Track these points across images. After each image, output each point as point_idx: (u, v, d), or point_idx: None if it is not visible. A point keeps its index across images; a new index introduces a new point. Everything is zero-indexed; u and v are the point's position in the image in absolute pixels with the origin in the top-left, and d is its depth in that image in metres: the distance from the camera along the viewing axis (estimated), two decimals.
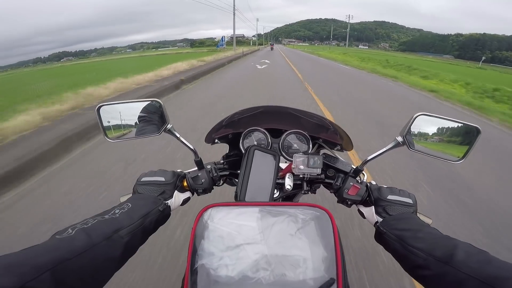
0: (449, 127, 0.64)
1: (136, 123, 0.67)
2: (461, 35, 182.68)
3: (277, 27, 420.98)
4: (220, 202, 0.52)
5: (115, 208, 0.49)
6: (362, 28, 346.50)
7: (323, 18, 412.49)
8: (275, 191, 0.73)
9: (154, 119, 0.68)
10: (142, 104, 0.67)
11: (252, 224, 0.48)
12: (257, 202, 0.52)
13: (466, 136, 0.63)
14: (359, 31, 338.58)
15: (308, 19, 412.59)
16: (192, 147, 0.71)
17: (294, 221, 0.48)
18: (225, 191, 0.88)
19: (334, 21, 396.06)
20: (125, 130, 0.68)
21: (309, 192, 0.80)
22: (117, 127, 0.67)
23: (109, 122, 0.66)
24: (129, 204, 0.51)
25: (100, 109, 0.65)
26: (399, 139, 0.64)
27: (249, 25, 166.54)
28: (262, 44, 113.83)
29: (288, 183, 0.70)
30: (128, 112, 0.67)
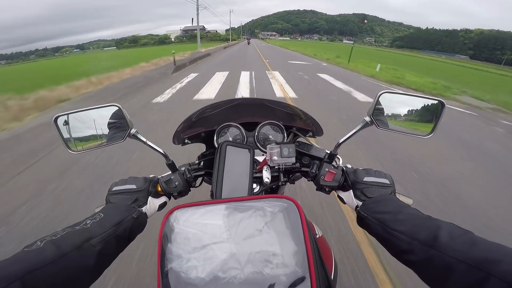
0: (414, 103, 0.65)
1: (99, 130, 0.64)
2: (470, 31, 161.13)
3: (252, 20, 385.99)
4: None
5: (87, 219, 0.48)
6: (345, 20, 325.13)
7: (301, 9, 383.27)
8: (255, 185, 0.72)
9: (117, 125, 0.65)
10: (101, 111, 0.64)
11: (218, 222, 0.47)
12: (223, 199, 0.50)
13: (432, 110, 0.64)
14: (341, 23, 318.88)
15: (285, 10, 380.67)
16: (161, 151, 0.69)
17: (261, 215, 0.47)
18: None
19: (313, 12, 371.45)
20: (88, 139, 0.65)
21: (287, 183, 0.79)
22: (79, 137, 0.64)
23: (69, 132, 0.63)
24: (101, 214, 0.50)
25: (57, 120, 0.62)
26: (367, 119, 0.65)
27: (222, 19, 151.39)
28: (235, 40, 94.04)
29: (266, 175, 0.69)
30: (88, 120, 0.64)
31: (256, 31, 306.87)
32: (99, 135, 0.65)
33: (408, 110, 0.66)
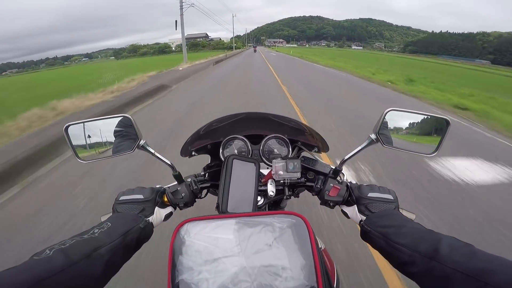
0: (420, 120, 0.66)
1: (108, 140, 0.66)
2: (487, 34, 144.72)
3: (257, 27, 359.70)
4: (202, 215, 0.51)
5: (95, 228, 0.49)
6: (352, 26, 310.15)
7: (307, 15, 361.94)
8: (260, 198, 0.73)
9: (127, 135, 0.66)
10: (113, 121, 0.65)
11: (229, 236, 0.47)
12: (234, 214, 0.52)
13: (437, 128, 0.65)
14: (349, 29, 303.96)
15: (291, 17, 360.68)
16: (169, 162, 0.70)
17: (271, 230, 0.48)
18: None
19: (320, 18, 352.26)
20: (97, 149, 0.66)
21: (292, 197, 0.79)
22: (89, 146, 0.65)
23: (79, 141, 0.65)
24: (108, 223, 0.51)
25: (68, 129, 0.63)
26: (373, 136, 0.66)
27: (228, 27, 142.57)
28: (239, 48, 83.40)
29: (271, 189, 0.70)
30: (99, 130, 0.65)
31: (262, 38, 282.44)
32: (108, 145, 0.66)
33: (413, 127, 0.67)
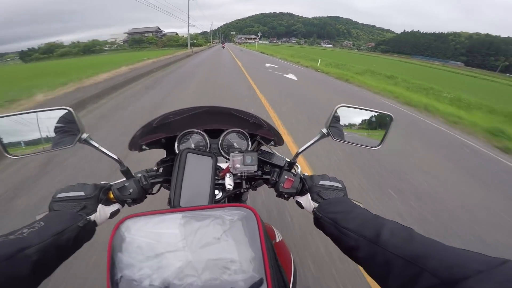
0: (368, 117, 0.70)
1: (45, 134, 0.60)
2: (459, 35, 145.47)
3: (226, 23, 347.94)
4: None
5: (24, 227, 0.45)
6: (321, 23, 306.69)
7: (277, 12, 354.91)
8: (218, 192, 0.72)
9: (66, 129, 0.61)
10: (50, 114, 0.60)
11: (173, 231, 0.46)
12: (180, 208, 0.50)
13: (382, 123, 0.70)
14: (319, 26, 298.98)
15: (261, 13, 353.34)
16: (115, 157, 0.66)
17: (220, 223, 0.47)
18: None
19: (290, 15, 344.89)
20: (31, 144, 0.60)
21: (249, 190, 0.80)
22: (22, 141, 0.59)
23: (10, 136, 0.58)
24: (41, 222, 0.47)
25: None
26: (324, 130, 0.68)
27: (195, 24, 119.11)
28: (200, 46, 65.55)
29: (229, 182, 0.70)
30: (33, 123, 0.59)
31: (232, 32, 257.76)
32: (44, 139, 0.60)
33: (362, 122, 0.71)
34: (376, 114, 0.69)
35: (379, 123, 0.70)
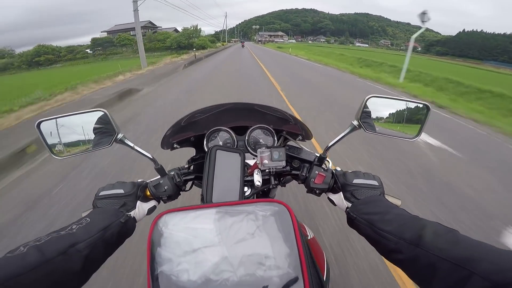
0: (401, 107, 0.66)
1: (84, 136, 0.64)
2: None
3: (244, 20, 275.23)
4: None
5: (73, 224, 0.48)
6: (352, 20, 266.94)
7: (299, 8, 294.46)
8: (247, 188, 0.72)
9: (104, 130, 0.64)
10: (87, 116, 0.63)
11: (209, 226, 0.46)
12: (214, 203, 0.50)
13: (418, 114, 0.66)
14: (349, 23, 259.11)
15: (282, 10, 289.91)
16: (150, 156, 0.68)
17: (253, 219, 0.48)
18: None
19: (314, 11, 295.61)
20: (73, 145, 0.64)
21: (278, 186, 0.79)
22: (64, 142, 0.63)
23: (53, 138, 0.62)
24: (87, 219, 0.50)
25: (41, 125, 0.61)
26: (355, 122, 0.66)
27: (212, 22, 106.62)
28: (204, 47, 41.10)
29: (257, 179, 0.69)
30: (73, 126, 0.63)
31: (254, 27, 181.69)
32: (84, 141, 0.64)
33: (395, 113, 0.67)
34: (410, 104, 0.65)
35: (414, 113, 0.66)
